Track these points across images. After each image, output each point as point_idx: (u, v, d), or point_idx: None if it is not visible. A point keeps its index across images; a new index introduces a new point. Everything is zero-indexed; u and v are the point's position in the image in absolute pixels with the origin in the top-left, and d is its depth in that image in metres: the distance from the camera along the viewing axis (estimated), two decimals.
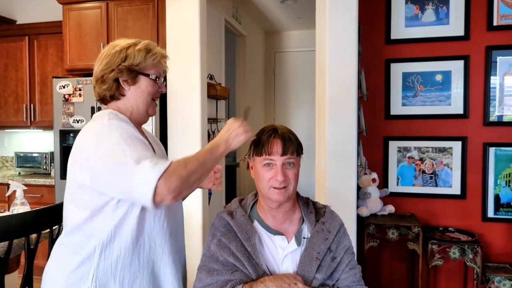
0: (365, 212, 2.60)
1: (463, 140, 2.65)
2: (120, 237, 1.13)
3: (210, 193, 3.13)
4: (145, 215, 1.16)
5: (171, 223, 1.25)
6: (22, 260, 2.00)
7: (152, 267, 1.19)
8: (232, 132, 1.17)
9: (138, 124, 1.27)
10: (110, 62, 1.19)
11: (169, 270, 1.23)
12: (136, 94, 1.23)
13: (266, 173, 1.23)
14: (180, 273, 1.29)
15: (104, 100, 1.25)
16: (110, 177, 1.05)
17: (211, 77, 3.42)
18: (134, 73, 1.20)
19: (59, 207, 1.71)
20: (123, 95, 1.23)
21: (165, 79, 1.33)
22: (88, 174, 1.08)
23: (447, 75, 2.67)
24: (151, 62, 1.22)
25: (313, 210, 1.33)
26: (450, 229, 2.64)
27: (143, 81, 1.22)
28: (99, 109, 3.06)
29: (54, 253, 1.20)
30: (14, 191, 1.97)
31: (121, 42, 1.23)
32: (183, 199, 1.35)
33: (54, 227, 1.71)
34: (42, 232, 1.66)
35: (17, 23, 3.96)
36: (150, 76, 1.22)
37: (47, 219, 1.64)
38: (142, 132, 1.31)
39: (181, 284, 1.28)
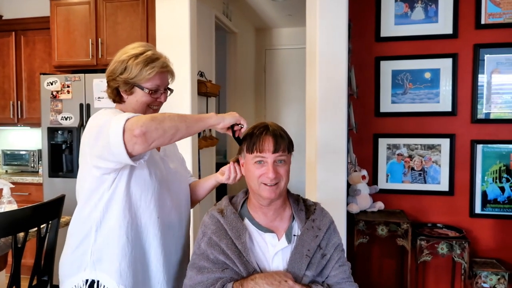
0: (355, 208, 2.62)
1: (451, 137, 2.68)
2: (110, 213, 1.21)
3: None
4: (131, 193, 1.23)
5: (161, 206, 1.29)
6: (9, 259, 1.97)
7: (140, 246, 1.25)
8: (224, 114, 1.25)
9: None
10: (113, 71, 1.29)
11: (155, 252, 1.27)
12: (132, 103, 1.30)
13: (257, 170, 1.23)
14: (171, 257, 1.33)
15: (113, 100, 1.36)
16: (95, 139, 1.13)
17: (201, 74, 3.41)
18: (130, 85, 1.28)
19: (47, 205, 1.70)
20: (123, 101, 1.32)
21: (169, 89, 1.37)
22: (88, 153, 1.17)
23: (436, 72, 2.70)
24: (146, 76, 1.26)
25: (304, 208, 1.33)
26: (439, 225, 2.68)
27: (138, 92, 1.29)
28: (88, 106, 3.03)
29: (68, 233, 1.31)
30: (1, 189, 1.94)
31: (130, 50, 1.29)
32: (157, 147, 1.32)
33: (42, 226, 1.69)
34: (30, 230, 1.64)
35: (3, 18, 3.89)
36: (144, 90, 1.28)
37: (34, 218, 1.62)
38: None
39: (169, 268, 1.32)
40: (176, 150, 1.53)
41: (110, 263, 1.21)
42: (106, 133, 1.08)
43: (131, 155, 1.07)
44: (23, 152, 3.68)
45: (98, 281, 1.21)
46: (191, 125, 1.15)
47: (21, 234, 1.61)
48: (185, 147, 2.61)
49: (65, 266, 1.28)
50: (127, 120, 1.06)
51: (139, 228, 1.25)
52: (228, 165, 1.40)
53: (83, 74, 3.04)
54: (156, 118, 1.08)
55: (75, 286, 1.23)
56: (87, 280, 1.22)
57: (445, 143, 2.70)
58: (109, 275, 1.21)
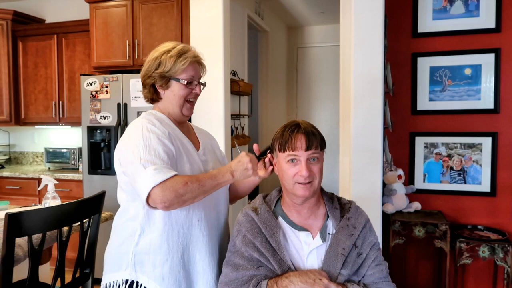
0: (390, 209, 2.56)
1: (494, 135, 2.57)
2: (152, 220, 1.25)
3: None
4: None
5: (202, 209, 1.31)
6: (53, 252, 2.07)
7: (182, 252, 1.27)
8: (241, 166, 1.23)
9: (177, 122, 1.37)
10: (148, 70, 1.32)
11: (200, 254, 1.29)
12: (170, 97, 1.33)
13: (291, 169, 1.22)
14: (215, 257, 1.34)
15: (149, 101, 1.39)
16: (127, 169, 1.22)
17: (234, 73, 3.43)
18: (166, 79, 1.31)
19: (89, 201, 1.76)
20: (161, 98, 1.35)
21: (201, 83, 1.38)
22: (120, 165, 1.26)
23: (476, 68, 2.59)
24: (181, 67, 1.29)
25: (338, 206, 1.32)
26: (479, 227, 2.57)
27: (174, 86, 1.32)
28: (125, 105, 3.13)
29: (112, 228, 1.36)
30: (46, 185, 2.04)
31: (161, 48, 1.33)
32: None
33: (84, 220, 1.76)
34: (73, 225, 1.71)
35: (46, 22, 4.08)
36: (181, 81, 1.31)
37: (78, 212, 1.69)
38: (187, 129, 1.41)
39: (215, 268, 1.33)
40: (215, 147, 1.54)
41: (152, 268, 1.24)
42: (134, 178, 1.18)
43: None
44: (64, 150, 3.84)
45: (137, 282, 1.25)
46: (209, 191, 1.21)
47: (65, 228, 1.68)
48: (219, 145, 2.64)
49: (109, 260, 1.33)
50: (152, 188, 1.12)
51: (180, 234, 1.27)
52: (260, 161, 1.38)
53: (120, 75, 3.14)
54: (178, 193, 1.13)
55: (114, 282, 1.27)
56: (127, 280, 1.26)
57: (486, 142, 2.58)
58: (151, 278, 1.24)
